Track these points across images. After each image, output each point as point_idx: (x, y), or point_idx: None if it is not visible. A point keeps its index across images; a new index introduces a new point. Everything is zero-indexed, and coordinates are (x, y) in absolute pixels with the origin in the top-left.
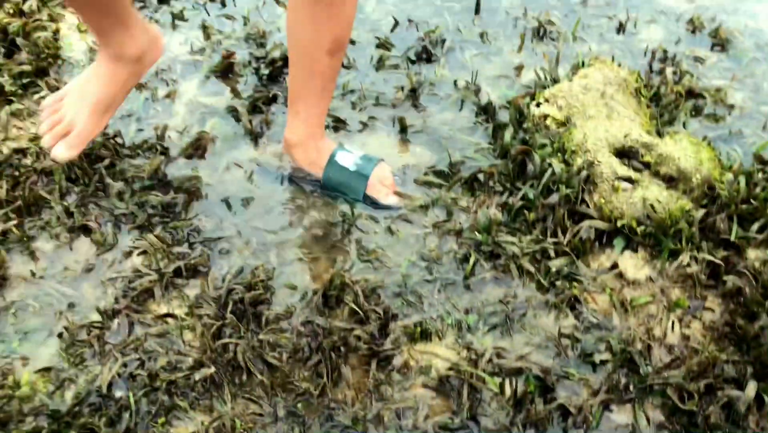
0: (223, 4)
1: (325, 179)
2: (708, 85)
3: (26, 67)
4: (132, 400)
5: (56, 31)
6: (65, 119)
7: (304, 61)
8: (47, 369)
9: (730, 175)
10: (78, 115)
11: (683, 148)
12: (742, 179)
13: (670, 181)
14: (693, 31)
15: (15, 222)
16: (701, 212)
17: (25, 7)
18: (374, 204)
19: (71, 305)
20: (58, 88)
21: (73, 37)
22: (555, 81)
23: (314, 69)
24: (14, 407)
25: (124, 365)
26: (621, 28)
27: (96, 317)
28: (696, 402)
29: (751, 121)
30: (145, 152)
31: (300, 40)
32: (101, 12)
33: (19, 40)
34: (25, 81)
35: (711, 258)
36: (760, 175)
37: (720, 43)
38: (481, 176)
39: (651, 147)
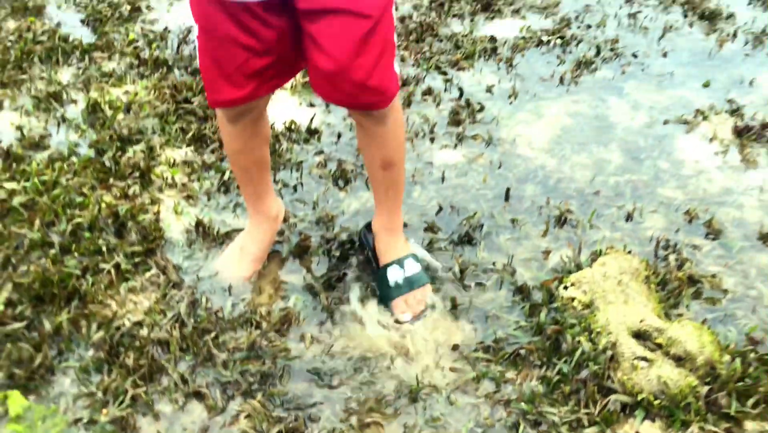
0: (295, 189)
1: (378, 277)
2: (705, 272)
3: (137, 248)
4: None
5: (157, 213)
6: (233, 276)
7: (368, 172)
8: None
9: (728, 356)
10: (244, 269)
11: (688, 332)
12: (738, 360)
13: (679, 361)
14: (690, 221)
15: (144, 389)
16: (705, 389)
17: (129, 191)
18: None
19: None
20: (165, 267)
21: (171, 218)
22: (578, 266)
23: (374, 179)
24: None
25: None
26: (629, 217)
27: None
28: None
29: (742, 304)
30: (242, 325)
31: (364, 158)
32: (259, 182)
33: (129, 224)
34: (136, 260)
35: (716, 430)
36: (752, 355)
37: (713, 232)
38: (522, 351)
39: (662, 331)
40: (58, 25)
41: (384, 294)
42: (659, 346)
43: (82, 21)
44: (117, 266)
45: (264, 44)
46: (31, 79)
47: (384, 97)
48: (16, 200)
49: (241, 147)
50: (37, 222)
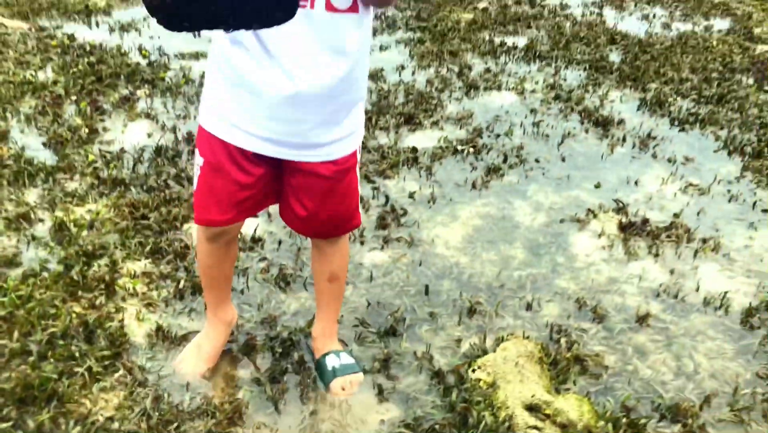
0: (242, 293)
1: (317, 364)
2: (590, 351)
3: (106, 352)
4: None
5: (121, 320)
6: (190, 372)
7: (315, 286)
8: None
9: (602, 422)
10: (198, 367)
11: (571, 404)
12: (610, 425)
13: (564, 428)
14: (579, 308)
15: None
16: None
17: (96, 302)
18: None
19: None
20: (131, 369)
21: (134, 325)
22: (484, 351)
23: (320, 291)
24: None
25: None
26: (529, 306)
27: None
28: None
29: (620, 378)
30: (199, 416)
31: (313, 271)
32: (220, 291)
33: (98, 331)
34: (106, 363)
35: None
36: (624, 420)
37: (598, 317)
38: (437, 427)
39: (550, 403)
40: (23, 148)
41: (323, 378)
42: (548, 416)
43: (44, 144)
44: (89, 369)
45: (250, 180)
46: (1, 201)
47: (344, 229)
48: None
49: (213, 262)
50: (16, 333)
